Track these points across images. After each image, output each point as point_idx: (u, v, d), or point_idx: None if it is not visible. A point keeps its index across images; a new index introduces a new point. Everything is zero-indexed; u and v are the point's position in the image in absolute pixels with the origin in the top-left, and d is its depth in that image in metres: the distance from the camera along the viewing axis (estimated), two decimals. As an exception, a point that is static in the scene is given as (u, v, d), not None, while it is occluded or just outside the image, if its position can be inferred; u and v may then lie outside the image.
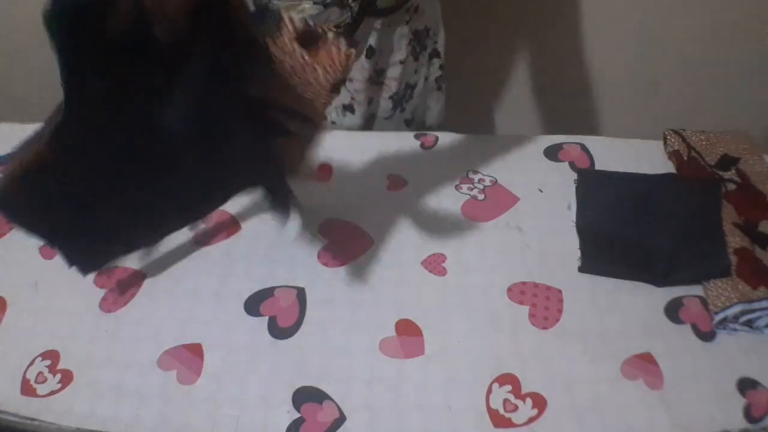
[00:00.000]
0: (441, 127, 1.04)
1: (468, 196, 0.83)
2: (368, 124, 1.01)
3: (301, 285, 0.74)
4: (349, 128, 0.99)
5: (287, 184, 0.67)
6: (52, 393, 0.66)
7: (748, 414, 0.61)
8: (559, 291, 0.72)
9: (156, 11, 0.49)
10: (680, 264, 0.72)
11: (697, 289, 0.71)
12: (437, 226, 0.80)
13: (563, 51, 1.36)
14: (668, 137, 0.86)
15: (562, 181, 0.84)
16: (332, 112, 0.99)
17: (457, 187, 0.84)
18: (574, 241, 0.77)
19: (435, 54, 1.00)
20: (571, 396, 0.64)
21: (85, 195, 0.59)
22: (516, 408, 0.63)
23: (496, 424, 0.62)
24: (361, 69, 0.93)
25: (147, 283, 0.75)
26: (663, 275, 0.72)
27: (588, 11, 1.27)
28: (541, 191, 0.83)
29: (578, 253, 0.75)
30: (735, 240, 0.72)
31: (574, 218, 0.79)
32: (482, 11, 1.29)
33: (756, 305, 0.66)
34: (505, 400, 0.64)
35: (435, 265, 0.76)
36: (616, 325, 0.69)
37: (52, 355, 0.69)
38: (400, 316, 0.71)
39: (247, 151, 0.62)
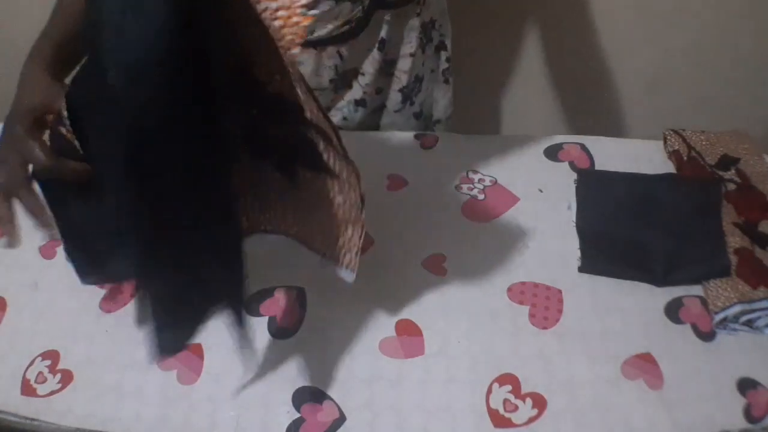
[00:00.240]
0: (448, 121, 1.04)
1: (468, 196, 0.83)
2: (377, 116, 1.01)
3: (301, 285, 0.74)
4: (360, 123, 0.99)
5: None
6: (52, 393, 0.66)
7: (748, 414, 0.61)
8: (559, 291, 0.72)
9: None
10: (680, 264, 0.72)
11: (697, 289, 0.71)
12: (437, 226, 0.80)
13: (563, 51, 1.36)
14: (668, 137, 0.86)
15: (562, 181, 0.84)
16: (344, 108, 0.99)
17: (457, 187, 0.84)
18: (574, 241, 0.77)
19: (442, 46, 1.00)
20: (571, 396, 0.64)
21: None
22: (516, 408, 0.63)
23: (496, 424, 0.62)
24: (372, 61, 0.93)
25: (147, 283, 0.75)
26: (663, 275, 0.72)
27: (588, 11, 1.27)
28: (541, 191, 0.83)
29: (578, 253, 0.75)
30: (735, 240, 0.72)
31: (574, 218, 0.79)
32: (484, 9, 1.29)
33: (756, 305, 0.66)
34: (505, 400, 0.64)
35: (435, 265, 0.76)
36: (616, 325, 0.69)
37: (52, 355, 0.69)
38: (400, 316, 0.71)
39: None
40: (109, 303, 0.73)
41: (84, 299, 0.73)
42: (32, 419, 0.64)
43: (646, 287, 0.72)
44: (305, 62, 0.91)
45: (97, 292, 0.74)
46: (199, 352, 0.69)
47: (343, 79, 0.95)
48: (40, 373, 0.67)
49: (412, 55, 0.95)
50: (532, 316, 0.70)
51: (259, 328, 0.71)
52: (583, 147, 0.89)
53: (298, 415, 0.63)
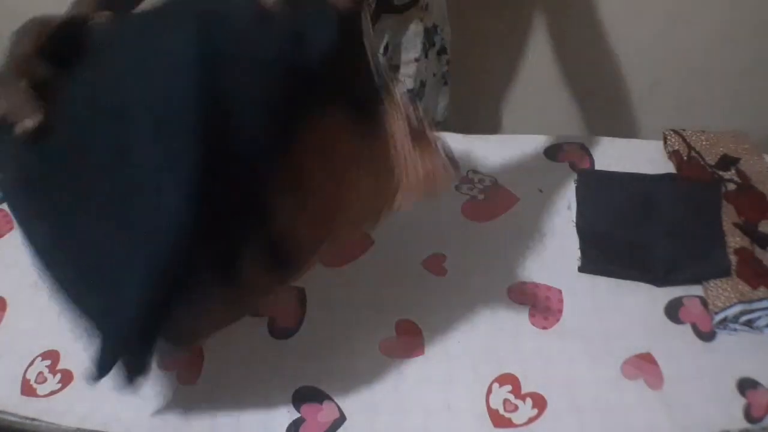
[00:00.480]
0: (446, 122, 1.04)
1: (468, 196, 0.83)
2: None
3: (301, 285, 0.74)
4: None
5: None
6: (52, 393, 0.66)
7: (748, 414, 0.61)
8: (559, 291, 0.72)
9: None
10: (680, 264, 0.72)
11: (697, 289, 0.71)
12: (437, 226, 0.80)
13: (563, 51, 1.36)
14: (668, 137, 0.86)
15: (562, 181, 0.84)
16: None
17: (457, 187, 0.84)
18: (574, 241, 0.77)
19: (443, 50, 1.00)
20: (571, 396, 0.64)
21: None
22: (516, 408, 0.63)
23: (496, 424, 0.62)
24: None
25: (147, 283, 0.75)
26: (663, 275, 0.72)
27: (588, 11, 1.27)
28: (541, 191, 0.83)
29: (578, 253, 0.75)
30: (735, 240, 0.72)
31: (574, 218, 0.79)
32: (484, 10, 1.29)
33: (756, 305, 0.66)
34: (505, 400, 0.64)
35: (435, 265, 0.76)
36: (616, 325, 0.69)
37: (52, 355, 0.69)
38: (400, 316, 0.71)
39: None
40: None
41: (84, 299, 0.73)
42: (32, 419, 0.64)
43: (646, 287, 0.72)
44: None
45: (97, 292, 0.74)
46: (199, 352, 0.69)
47: None
48: (40, 373, 0.67)
49: (416, 60, 0.95)
50: (532, 316, 0.70)
51: (260, 328, 0.71)
52: (583, 147, 0.89)
53: (298, 415, 0.63)
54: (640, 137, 0.90)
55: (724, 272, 0.70)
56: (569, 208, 0.80)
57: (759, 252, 0.71)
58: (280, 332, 0.70)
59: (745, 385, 0.63)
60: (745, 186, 0.78)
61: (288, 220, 0.50)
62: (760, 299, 0.66)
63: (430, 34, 0.96)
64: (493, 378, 0.65)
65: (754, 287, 0.67)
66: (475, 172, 0.86)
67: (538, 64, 1.38)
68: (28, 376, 0.67)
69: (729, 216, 0.75)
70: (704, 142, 0.84)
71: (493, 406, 0.63)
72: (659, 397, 0.63)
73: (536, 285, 0.73)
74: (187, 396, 0.65)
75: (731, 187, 0.79)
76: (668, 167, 0.84)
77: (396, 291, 0.73)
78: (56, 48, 0.49)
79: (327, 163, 0.51)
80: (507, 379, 0.65)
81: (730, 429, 0.61)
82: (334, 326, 0.71)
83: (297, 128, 0.48)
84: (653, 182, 0.81)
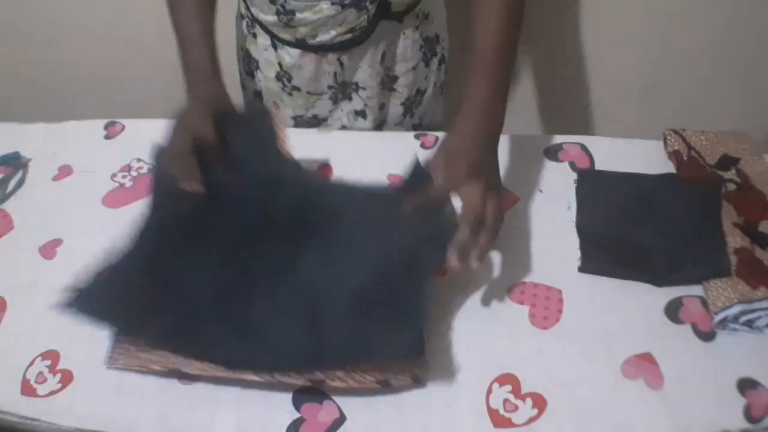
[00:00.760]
0: (440, 128, 1.04)
1: (468, 196, 0.83)
2: (378, 130, 1.02)
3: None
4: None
5: None
6: (52, 393, 0.66)
7: (748, 414, 0.61)
8: (559, 291, 0.72)
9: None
10: (680, 264, 0.72)
11: (697, 289, 0.71)
12: (437, 226, 0.80)
13: (563, 51, 1.36)
14: (668, 137, 0.86)
15: (562, 181, 0.84)
16: (344, 118, 0.99)
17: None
18: (574, 241, 0.77)
19: (443, 60, 1.01)
20: (571, 396, 0.64)
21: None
22: (516, 408, 0.63)
23: (496, 424, 0.62)
24: (374, 75, 0.93)
25: (147, 283, 0.75)
26: (663, 275, 0.72)
27: (588, 11, 1.27)
28: (541, 191, 0.83)
29: (578, 253, 0.75)
30: (735, 240, 0.72)
31: (574, 218, 0.79)
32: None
33: (756, 305, 0.66)
34: (505, 400, 0.64)
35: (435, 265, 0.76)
36: (616, 325, 0.69)
37: (52, 355, 0.69)
38: (400, 316, 0.71)
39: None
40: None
41: (84, 299, 0.73)
42: (32, 419, 0.64)
43: (646, 287, 0.72)
44: (305, 66, 0.91)
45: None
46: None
47: (343, 91, 0.96)
48: (40, 373, 0.67)
49: (414, 68, 0.95)
50: (532, 316, 0.70)
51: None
52: (583, 147, 0.89)
53: (298, 415, 0.63)
54: (640, 137, 0.90)
55: (724, 272, 0.70)
56: (569, 208, 0.80)
57: (759, 252, 0.71)
58: (280, 332, 0.70)
59: (745, 385, 0.63)
60: (745, 186, 0.78)
61: None
62: (760, 299, 0.66)
63: (432, 43, 0.96)
64: (493, 378, 0.65)
65: (754, 287, 0.67)
66: (475, 172, 0.86)
67: (538, 64, 1.38)
68: (28, 376, 0.67)
69: (729, 216, 0.75)
70: (704, 142, 0.84)
71: (493, 406, 0.63)
72: (659, 397, 0.63)
73: (536, 285, 0.73)
74: (187, 396, 0.65)
75: (731, 187, 0.78)
76: (668, 167, 0.84)
77: (396, 291, 0.73)
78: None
79: None
80: (507, 379, 0.65)
81: (730, 429, 0.61)
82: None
83: None
84: (653, 182, 0.81)
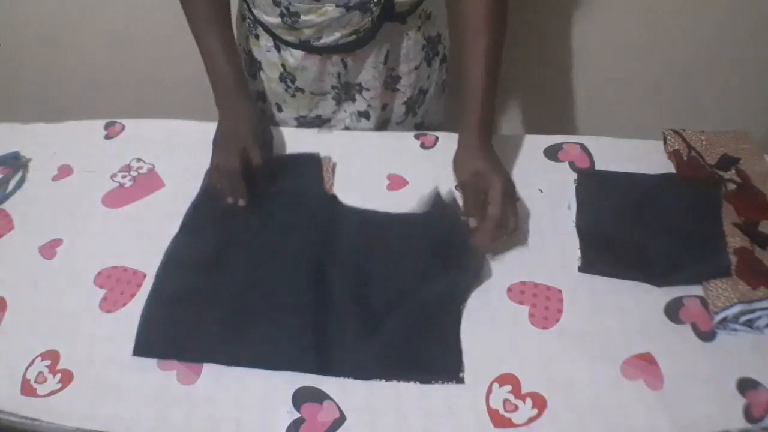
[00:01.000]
0: (441, 127, 1.04)
1: (468, 196, 0.83)
2: (381, 129, 1.02)
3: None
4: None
5: None
6: (52, 393, 0.66)
7: (748, 414, 0.61)
8: (559, 291, 0.72)
9: None
10: (680, 264, 0.72)
11: (697, 289, 0.71)
12: (437, 226, 0.80)
13: (564, 51, 1.36)
14: (668, 137, 0.86)
15: (562, 181, 0.84)
16: (347, 119, 0.99)
17: (457, 187, 0.84)
18: (574, 241, 0.77)
19: (444, 59, 1.01)
20: (571, 396, 0.64)
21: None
22: (516, 408, 0.63)
23: (496, 424, 0.62)
24: (377, 76, 0.93)
25: (147, 283, 0.75)
26: (663, 275, 0.72)
27: (588, 11, 1.27)
28: (541, 191, 0.83)
29: (578, 253, 0.75)
30: (735, 240, 0.72)
31: (574, 218, 0.79)
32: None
33: (756, 305, 0.66)
34: (505, 400, 0.64)
35: (435, 265, 0.76)
36: (616, 325, 0.69)
37: (52, 355, 0.69)
38: (400, 316, 0.71)
39: None
40: (109, 303, 0.73)
41: (84, 299, 0.73)
42: (32, 419, 0.64)
43: (646, 287, 0.72)
44: (309, 68, 0.91)
45: (97, 292, 0.74)
46: (199, 352, 0.69)
47: (347, 92, 0.96)
48: (40, 373, 0.67)
49: (416, 68, 0.95)
50: (532, 316, 0.70)
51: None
52: (583, 147, 0.89)
53: (298, 415, 0.63)
54: (640, 137, 0.90)
55: (724, 272, 0.70)
56: (569, 208, 0.80)
57: (759, 252, 0.71)
58: (280, 332, 0.70)
59: (745, 385, 0.63)
60: (745, 186, 0.78)
61: None
62: (760, 299, 0.66)
63: (434, 43, 0.96)
64: (493, 378, 0.65)
65: (754, 287, 0.67)
66: (475, 172, 0.86)
67: (539, 64, 1.38)
68: (28, 376, 0.67)
69: (729, 216, 0.75)
70: (704, 142, 0.84)
71: (493, 406, 0.63)
72: (659, 397, 0.63)
73: (536, 285, 0.73)
74: (187, 396, 0.65)
75: (731, 187, 0.78)
76: (668, 167, 0.84)
77: (396, 291, 0.73)
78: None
79: None
80: (507, 379, 0.65)
81: (730, 429, 0.61)
82: (334, 326, 0.70)
83: None
84: (653, 182, 0.81)
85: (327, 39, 0.86)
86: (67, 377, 0.67)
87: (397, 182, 0.85)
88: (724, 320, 0.67)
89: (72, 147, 0.93)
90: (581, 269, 0.74)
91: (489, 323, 0.70)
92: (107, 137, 0.94)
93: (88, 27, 1.37)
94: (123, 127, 0.96)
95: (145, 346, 0.68)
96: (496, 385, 0.65)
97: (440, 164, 0.86)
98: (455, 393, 0.65)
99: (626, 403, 0.63)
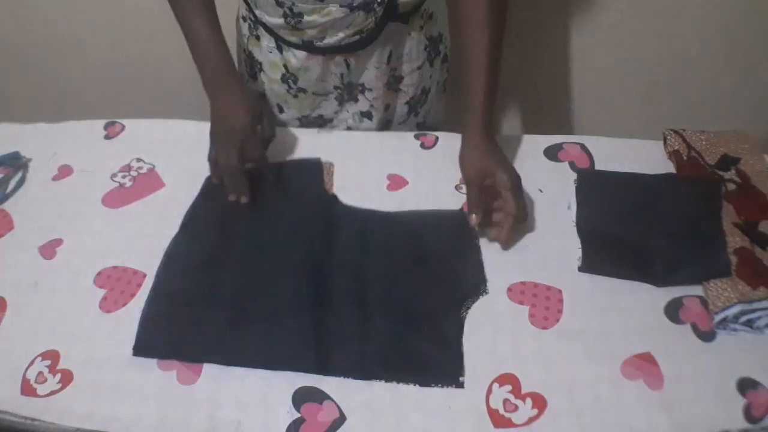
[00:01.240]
0: (442, 126, 1.04)
1: (468, 196, 0.83)
2: (383, 129, 1.02)
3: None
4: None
5: None
6: (52, 393, 0.66)
7: (748, 414, 0.61)
8: (559, 291, 0.72)
9: None
10: (680, 264, 0.72)
11: (697, 289, 0.71)
12: (437, 226, 0.80)
13: (564, 51, 1.36)
14: (668, 137, 0.86)
15: (562, 181, 0.84)
16: (349, 119, 0.99)
17: (457, 187, 0.84)
18: (574, 241, 0.77)
19: (445, 58, 1.01)
20: (571, 396, 0.64)
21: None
22: (516, 408, 0.63)
23: (496, 424, 0.62)
24: (380, 76, 0.93)
25: (147, 283, 0.75)
26: (663, 275, 0.72)
27: (588, 11, 1.27)
28: (541, 191, 0.83)
29: (578, 253, 0.75)
30: (735, 240, 0.72)
31: (574, 218, 0.79)
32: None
33: (756, 305, 0.66)
34: (505, 400, 0.64)
35: (435, 265, 0.76)
36: (616, 325, 0.69)
37: (52, 355, 0.69)
38: (400, 316, 0.71)
39: None
40: (109, 303, 0.73)
41: (84, 299, 0.73)
42: (32, 419, 0.64)
43: (646, 287, 0.72)
44: (312, 68, 0.91)
45: (97, 292, 0.74)
46: (199, 352, 0.68)
47: (350, 92, 0.95)
48: (40, 373, 0.67)
49: (419, 68, 0.95)
50: (532, 316, 0.70)
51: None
52: (583, 147, 0.89)
53: (298, 415, 0.63)
54: (640, 137, 0.90)
55: (724, 272, 0.70)
56: (569, 208, 0.80)
57: (759, 252, 0.71)
58: (280, 332, 0.70)
59: (745, 385, 0.63)
60: (745, 186, 0.78)
61: None
62: (760, 299, 0.66)
63: (435, 42, 0.96)
64: (493, 378, 0.65)
65: (754, 287, 0.67)
66: (475, 172, 0.86)
67: (539, 64, 1.38)
68: (28, 376, 0.67)
69: (729, 216, 0.75)
70: (704, 142, 0.84)
71: (493, 406, 0.63)
72: (659, 397, 0.63)
73: (536, 285, 0.73)
74: (187, 396, 0.65)
75: (731, 187, 0.79)
76: (668, 167, 0.84)
77: (396, 291, 0.73)
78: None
79: None
80: (507, 379, 0.65)
81: (730, 429, 0.61)
82: (334, 326, 0.70)
83: None
84: (653, 182, 0.81)
85: (330, 39, 0.86)
86: (67, 377, 0.67)
87: (397, 182, 0.85)
88: (724, 320, 0.67)
89: (72, 147, 0.93)
90: (581, 269, 0.74)
91: (489, 323, 0.70)
92: (107, 137, 0.94)
93: (88, 27, 1.37)
94: (123, 127, 0.96)
95: (145, 346, 0.68)
96: (496, 385, 0.65)
97: (440, 164, 0.87)
98: (455, 393, 0.65)
99: (626, 403, 0.63)
